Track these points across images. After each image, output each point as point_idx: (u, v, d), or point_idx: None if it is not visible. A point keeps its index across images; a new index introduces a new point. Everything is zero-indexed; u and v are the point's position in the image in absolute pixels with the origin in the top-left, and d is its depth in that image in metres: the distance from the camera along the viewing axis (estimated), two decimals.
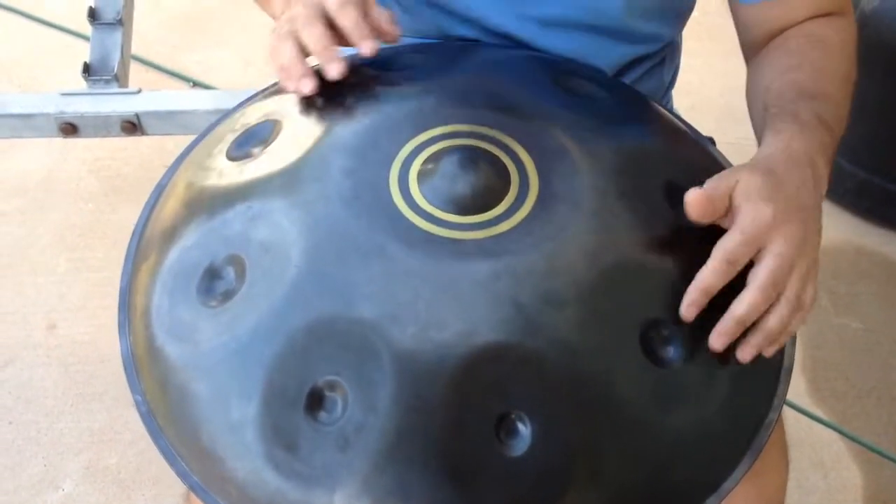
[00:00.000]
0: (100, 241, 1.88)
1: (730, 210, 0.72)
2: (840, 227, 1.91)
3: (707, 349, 0.71)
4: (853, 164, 1.86)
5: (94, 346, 1.71)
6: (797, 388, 1.68)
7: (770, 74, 0.89)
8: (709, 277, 0.69)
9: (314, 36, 0.78)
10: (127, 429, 1.61)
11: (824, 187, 0.79)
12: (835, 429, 1.64)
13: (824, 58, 0.90)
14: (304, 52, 0.79)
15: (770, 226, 0.71)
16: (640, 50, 0.97)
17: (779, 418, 0.77)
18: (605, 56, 0.95)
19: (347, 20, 0.78)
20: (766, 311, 0.71)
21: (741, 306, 0.70)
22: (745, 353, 0.71)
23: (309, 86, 0.78)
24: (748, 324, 0.71)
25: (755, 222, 0.70)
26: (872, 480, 1.58)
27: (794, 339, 0.78)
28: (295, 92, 0.79)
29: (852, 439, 1.62)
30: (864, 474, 1.59)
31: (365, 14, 0.79)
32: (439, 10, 0.94)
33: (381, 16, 0.81)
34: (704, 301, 0.70)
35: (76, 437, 1.61)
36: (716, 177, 0.73)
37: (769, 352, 0.73)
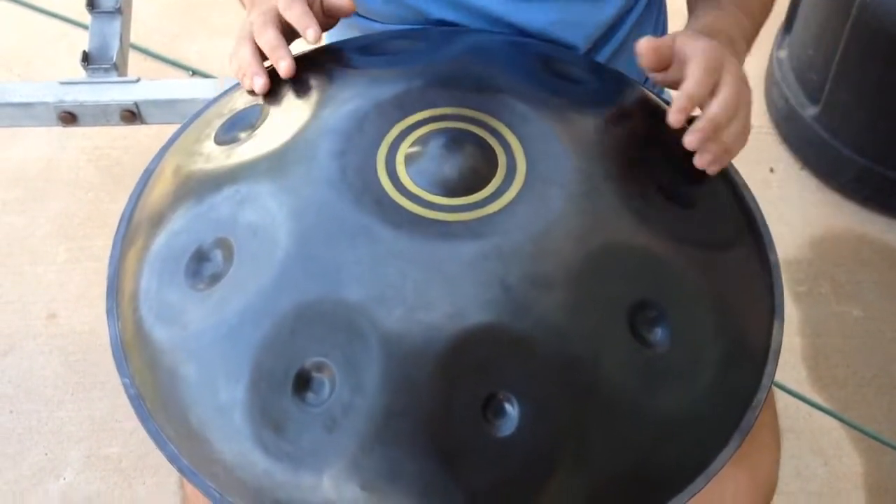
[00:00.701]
0: (99, 231, 1.88)
1: (674, 61, 0.80)
2: (841, 216, 1.90)
3: (693, 332, 0.72)
4: (854, 152, 1.86)
5: (94, 335, 1.72)
6: (798, 376, 1.68)
7: None
8: (693, 84, 0.76)
9: (264, 38, 0.84)
10: (128, 417, 1.61)
11: (741, 61, 0.86)
12: (836, 416, 1.63)
13: None
14: (262, 54, 0.85)
15: (721, 55, 0.79)
16: (618, 9, 0.99)
17: (769, 400, 0.77)
18: (587, 21, 0.96)
19: (293, 16, 0.84)
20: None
21: (712, 108, 0.77)
22: (703, 160, 0.78)
23: (259, 83, 0.82)
24: (721, 127, 0.77)
25: (710, 52, 0.79)
26: (873, 468, 1.58)
27: (782, 320, 0.79)
28: (250, 91, 0.84)
29: (853, 427, 1.62)
30: (864, 462, 1.59)
31: (311, 3, 0.86)
32: None
33: None
34: (690, 108, 0.76)
35: (77, 425, 1.62)
36: (650, 38, 0.81)
37: (716, 165, 0.79)
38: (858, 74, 1.80)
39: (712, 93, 0.78)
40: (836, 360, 1.71)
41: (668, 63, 0.81)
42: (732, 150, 0.80)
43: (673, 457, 0.71)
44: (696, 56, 0.79)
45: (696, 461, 0.72)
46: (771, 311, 0.79)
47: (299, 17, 0.84)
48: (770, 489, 0.97)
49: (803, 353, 1.72)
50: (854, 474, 1.57)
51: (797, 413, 1.63)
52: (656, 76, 0.83)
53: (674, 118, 0.76)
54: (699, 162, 0.78)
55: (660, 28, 1.10)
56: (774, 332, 0.78)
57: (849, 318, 1.77)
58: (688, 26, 0.90)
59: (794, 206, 1.90)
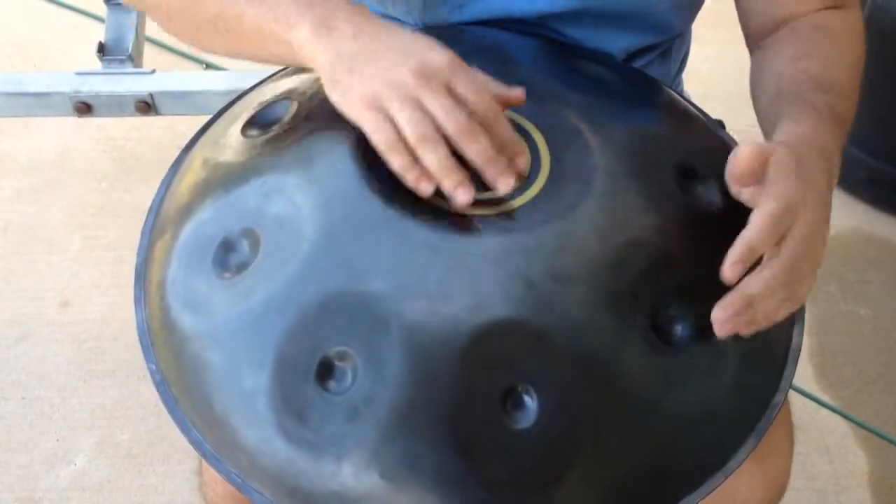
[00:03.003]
0: (113, 221, 1.89)
1: (764, 180, 0.70)
2: (850, 215, 1.91)
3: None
4: (864, 153, 1.86)
5: (106, 323, 1.73)
6: (804, 374, 1.68)
7: (781, 62, 0.89)
8: (756, 235, 0.66)
9: (481, 149, 0.69)
10: (138, 405, 1.63)
11: (835, 181, 0.77)
12: (842, 414, 1.64)
13: (835, 49, 0.89)
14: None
15: (801, 200, 0.69)
16: (649, 39, 0.96)
17: (785, 400, 0.78)
18: (613, 45, 0.94)
19: (476, 153, 0.69)
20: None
21: (757, 284, 0.67)
22: (724, 330, 0.67)
23: (467, 196, 0.69)
24: (755, 303, 0.67)
25: (792, 193, 0.68)
26: (878, 466, 1.58)
27: (802, 322, 0.78)
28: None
29: (859, 425, 1.62)
30: (870, 460, 1.59)
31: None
32: (442, 4, 0.92)
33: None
34: (751, 260, 0.67)
35: (88, 412, 1.63)
36: (756, 143, 0.71)
37: (746, 331, 0.68)
38: (870, 75, 1.79)
39: (776, 245, 0.68)
40: (842, 358, 1.72)
41: (757, 180, 0.70)
42: (765, 323, 0.68)
43: (690, 453, 0.72)
44: (775, 195, 0.68)
45: (713, 458, 0.72)
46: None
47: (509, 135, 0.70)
48: (782, 487, 0.98)
49: (810, 350, 1.72)
50: (860, 472, 1.58)
51: (803, 410, 1.63)
52: (735, 187, 0.71)
53: (729, 272, 0.66)
54: (718, 330, 0.67)
55: (678, 61, 1.08)
56: (795, 333, 0.78)
57: (856, 316, 1.77)
58: (783, 129, 0.77)
59: None
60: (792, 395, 1.64)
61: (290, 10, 0.73)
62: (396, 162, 0.69)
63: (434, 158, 0.68)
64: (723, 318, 0.66)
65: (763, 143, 0.72)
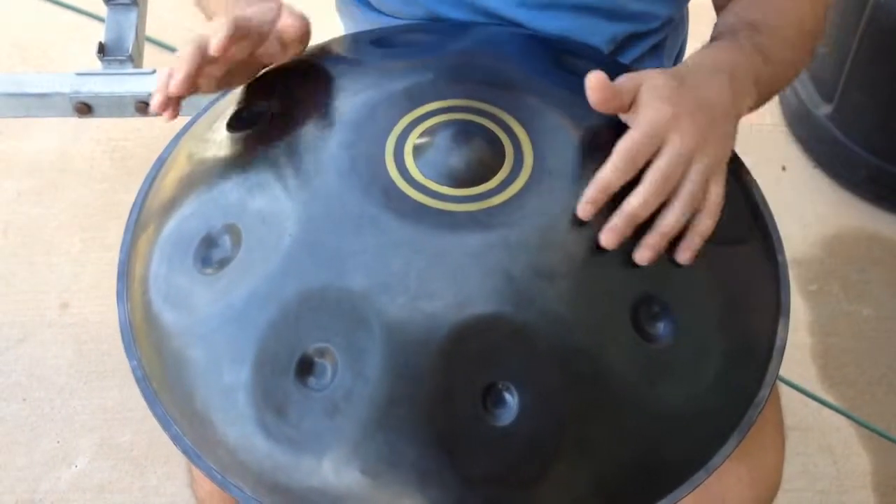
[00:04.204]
0: (113, 221, 1.88)
1: (633, 107, 0.73)
2: (853, 215, 1.90)
3: (697, 327, 0.72)
4: (866, 152, 1.86)
5: (106, 324, 1.72)
6: (807, 375, 1.68)
7: (729, 15, 0.90)
8: (609, 175, 0.70)
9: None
10: (139, 406, 1.59)
11: (745, 102, 0.79)
12: (844, 414, 1.63)
13: (788, 3, 0.90)
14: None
15: (668, 123, 0.71)
16: (633, 27, 0.97)
17: (772, 398, 0.77)
18: (598, 35, 0.95)
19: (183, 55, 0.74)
20: (663, 208, 0.71)
21: (630, 201, 0.70)
22: (641, 255, 0.71)
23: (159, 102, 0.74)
24: (638, 220, 0.70)
25: (653, 120, 0.71)
26: (882, 466, 1.58)
27: (787, 317, 0.78)
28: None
29: (862, 425, 1.62)
30: (873, 460, 1.58)
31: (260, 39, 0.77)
32: None
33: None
34: (603, 199, 0.70)
35: (89, 414, 1.63)
36: (626, 75, 0.74)
37: (682, 256, 0.72)
38: (872, 74, 1.80)
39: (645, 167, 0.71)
40: (845, 358, 1.71)
41: (621, 106, 0.73)
42: (695, 239, 0.72)
43: (673, 450, 0.72)
44: (636, 124, 0.71)
45: (697, 455, 0.72)
46: (777, 308, 0.79)
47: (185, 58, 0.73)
48: (773, 487, 0.97)
49: (813, 351, 1.71)
50: (862, 472, 1.57)
51: (806, 410, 1.63)
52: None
53: (581, 210, 0.70)
54: (638, 258, 0.71)
55: (673, 53, 1.08)
56: (780, 329, 0.78)
57: (859, 316, 1.76)
58: (695, 53, 0.83)
59: (805, 205, 1.90)
60: (794, 395, 1.64)
61: None
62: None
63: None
64: (612, 242, 0.69)
65: (632, 74, 0.75)
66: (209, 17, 0.91)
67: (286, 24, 0.79)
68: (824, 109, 1.91)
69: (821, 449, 1.59)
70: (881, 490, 1.55)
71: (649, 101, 0.72)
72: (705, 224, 0.73)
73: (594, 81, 0.71)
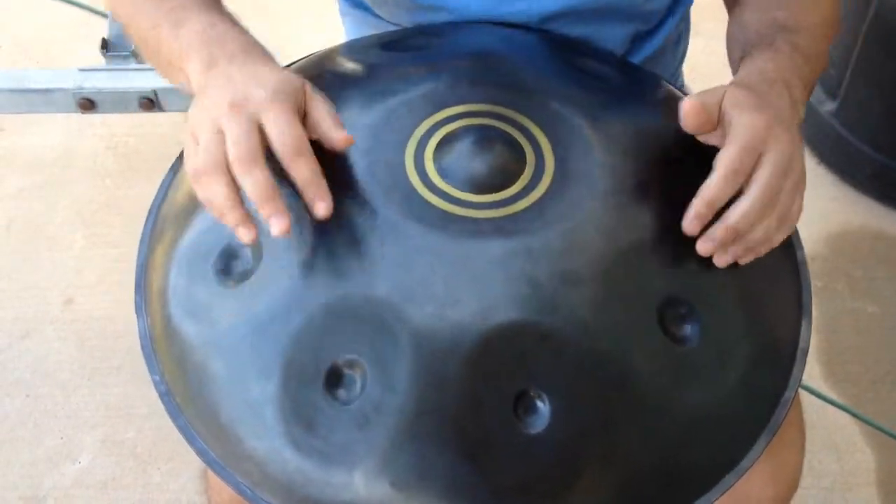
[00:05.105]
0: (117, 218, 1.88)
1: (720, 123, 0.72)
2: (859, 212, 1.90)
3: (723, 329, 0.71)
4: (872, 149, 1.85)
5: (110, 321, 1.72)
6: (812, 372, 1.67)
7: (750, 14, 0.90)
8: (714, 190, 0.69)
9: (255, 182, 0.65)
10: (143, 403, 1.62)
11: (801, 110, 0.79)
12: (849, 412, 1.63)
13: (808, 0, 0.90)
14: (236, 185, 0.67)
15: (765, 133, 0.70)
16: (645, 27, 0.97)
17: (795, 398, 0.77)
18: (614, 37, 0.94)
19: (301, 171, 0.67)
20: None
21: (736, 215, 0.69)
22: (721, 260, 0.71)
23: (249, 235, 0.66)
24: (742, 235, 0.70)
25: (751, 130, 0.70)
26: (886, 463, 1.58)
27: (810, 317, 0.78)
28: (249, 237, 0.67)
29: (866, 423, 1.62)
30: (877, 458, 1.58)
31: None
32: (437, 11, 0.92)
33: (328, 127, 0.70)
34: (709, 214, 0.69)
35: (92, 410, 1.63)
36: (701, 92, 0.74)
37: (744, 259, 0.72)
38: (876, 71, 1.79)
39: (747, 181, 0.70)
40: (850, 355, 1.71)
41: (713, 126, 0.73)
42: (762, 249, 0.73)
43: (702, 454, 0.71)
44: (734, 137, 0.70)
45: (726, 458, 0.72)
46: (799, 309, 0.79)
47: (311, 176, 0.67)
48: (793, 486, 0.97)
49: (818, 348, 1.71)
50: (867, 470, 1.57)
51: (810, 408, 1.63)
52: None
53: (688, 226, 0.70)
54: (716, 261, 0.71)
55: (682, 45, 1.08)
56: (802, 330, 0.78)
57: (864, 314, 1.76)
58: (742, 68, 0.81)
59: (810, 202, 1.86)
60: (800, 393, 1.63)
61: (192, 45, 0.75)
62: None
63: (213, 191, 0.66)
64: (708, 249, 0.70)
65: (705, 91, 0.74)
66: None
67: (334, 138, 0.71)
68: (829, 106, 1.90)
69: (825, 446, 1.59)
70: (886, 487, 1.55)
71: (740, 114, 0.71)
72: (777, 239, 0.73)
73: (690, 108, 0.71)
